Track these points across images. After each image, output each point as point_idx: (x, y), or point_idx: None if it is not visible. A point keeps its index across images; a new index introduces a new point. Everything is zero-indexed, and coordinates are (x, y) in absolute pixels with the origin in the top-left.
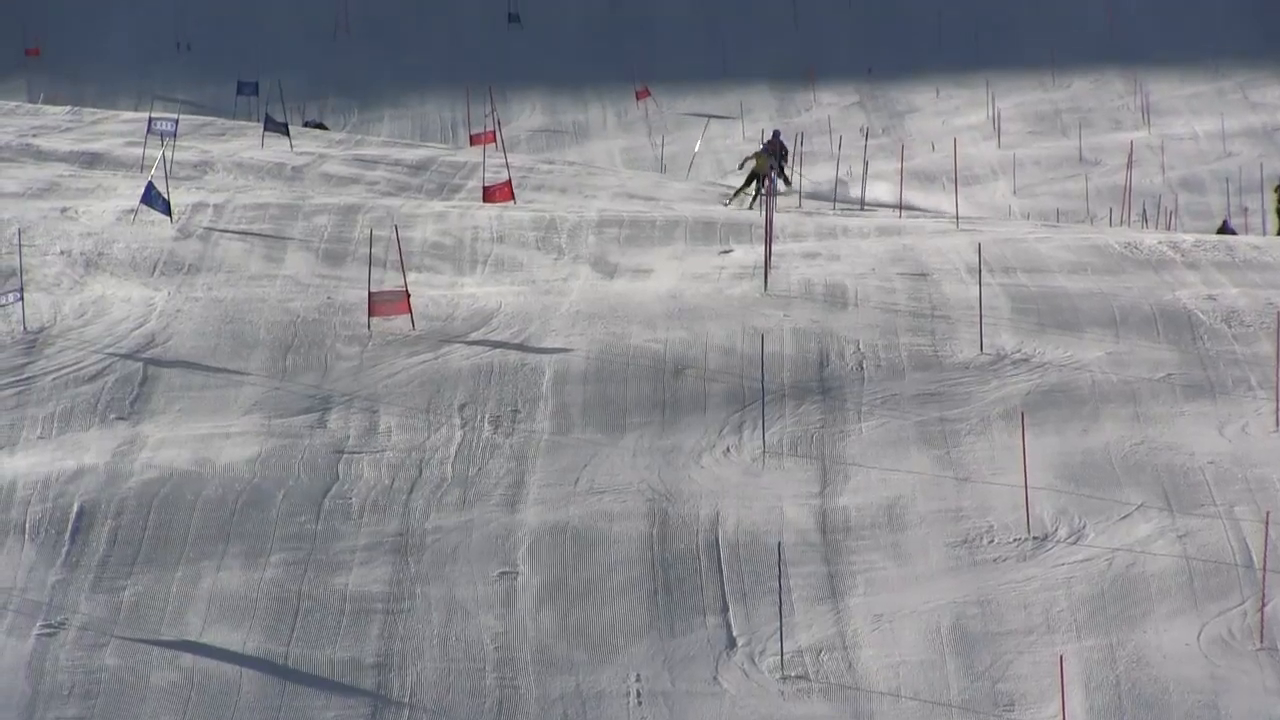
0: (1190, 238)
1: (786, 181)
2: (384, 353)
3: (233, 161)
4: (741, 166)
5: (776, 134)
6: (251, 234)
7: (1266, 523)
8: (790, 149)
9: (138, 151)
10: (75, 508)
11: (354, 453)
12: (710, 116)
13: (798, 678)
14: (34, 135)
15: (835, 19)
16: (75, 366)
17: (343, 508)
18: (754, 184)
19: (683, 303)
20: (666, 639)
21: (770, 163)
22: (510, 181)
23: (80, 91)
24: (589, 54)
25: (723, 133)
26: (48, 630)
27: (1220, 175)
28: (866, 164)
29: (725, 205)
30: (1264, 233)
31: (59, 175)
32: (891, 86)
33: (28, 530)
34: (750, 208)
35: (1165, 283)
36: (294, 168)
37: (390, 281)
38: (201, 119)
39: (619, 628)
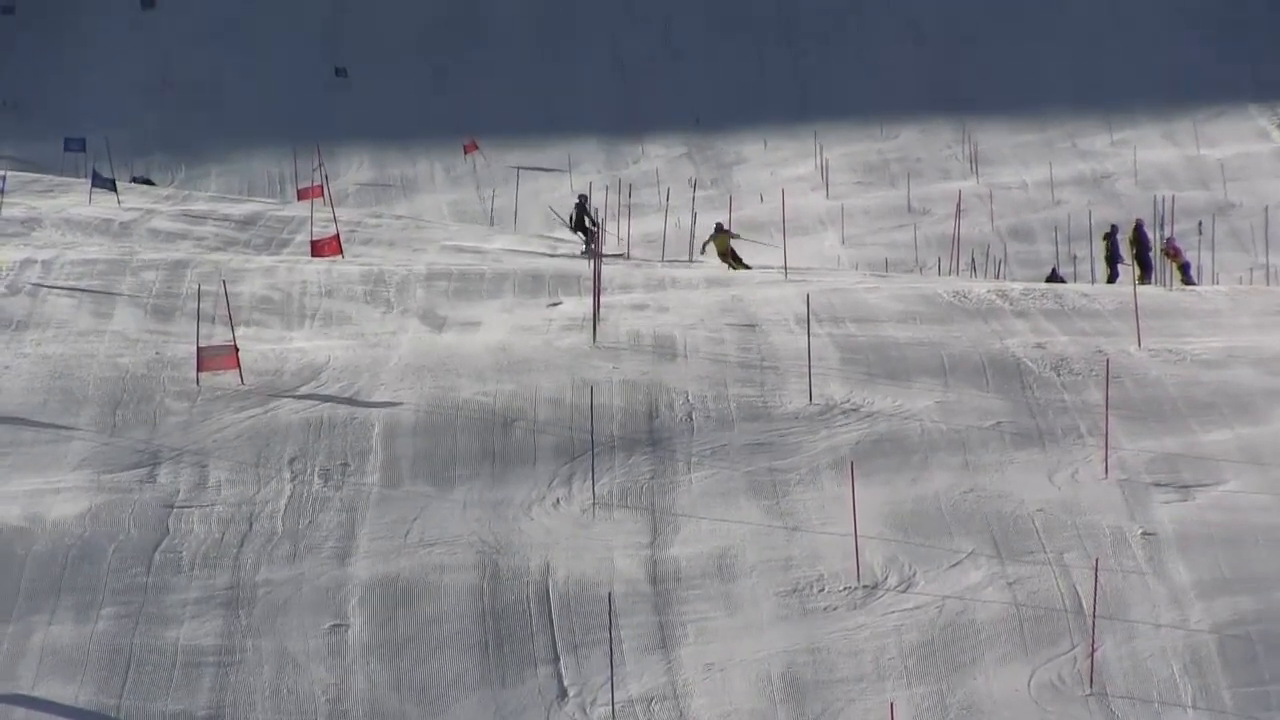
0: (1019, 286)
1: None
2: (213, 407)
3: (60, 218)
4: (704, 252)
5: (582, 199)
6: (80, 290)
7: (1095, 569)
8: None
9: None
10: None
11: (184, 507)
12: (536, 169)
13: None
14: None
15: (661, 72)
16: None
17: (173, 561)
18: (729, 260)
19: (512, 355)
20: (498, 690)
21: (729, 240)
22: (338, 235)
23: None
24: (416, 108)
25: (550, 185)
26: None
27: (1049, 223)
28: (695, 215)
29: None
30: (1093, 280)
31: None
32: (719, 138)
33: None
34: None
35: (994, 331)
36: (122, 223)
37: (219, 336)
38: (28, 176)
39: (450, 679)
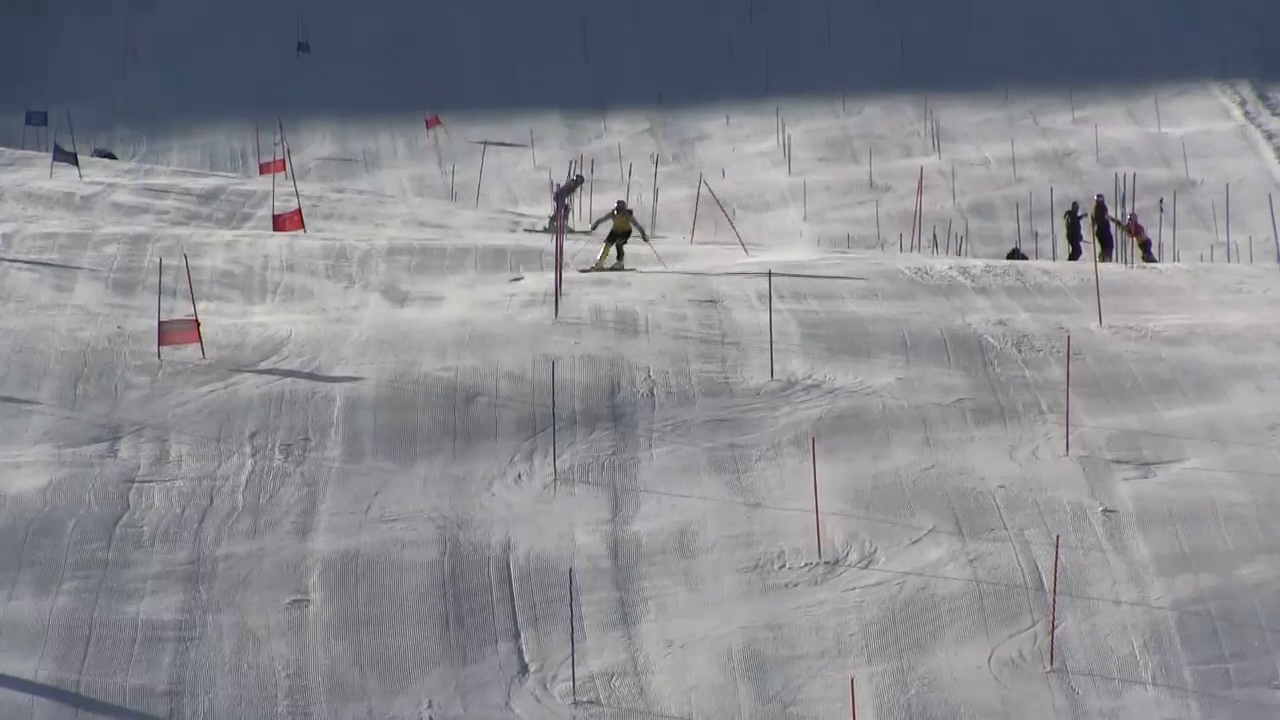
0: (980, 263)
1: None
2: (174, 382)
3: (21, 191)
4: (595, 228)
5: (579, 178)
6: (41, 264)
7: (1056, 546)
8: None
9: None
10: None
11: (145, 481)
12: (500, 144)
13: (590, 703)
14: None
15: (625, 47)
16: None
17: (134, 536)
18: (614, 243)
19: (473, 330)
20: (459, 666)
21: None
22: (300, 210)
23: None
24: (378, 82)
25: (513, 160)
26: None
27: (1011, 200)
28: (657, 191)
29: (585, 271)
30: (1054, 258)
31: None
32: (682, 114)
33: None
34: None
35: (956, 308)
36: (83, 197)
37: (180, 310)
38: None
39: (411, 655)
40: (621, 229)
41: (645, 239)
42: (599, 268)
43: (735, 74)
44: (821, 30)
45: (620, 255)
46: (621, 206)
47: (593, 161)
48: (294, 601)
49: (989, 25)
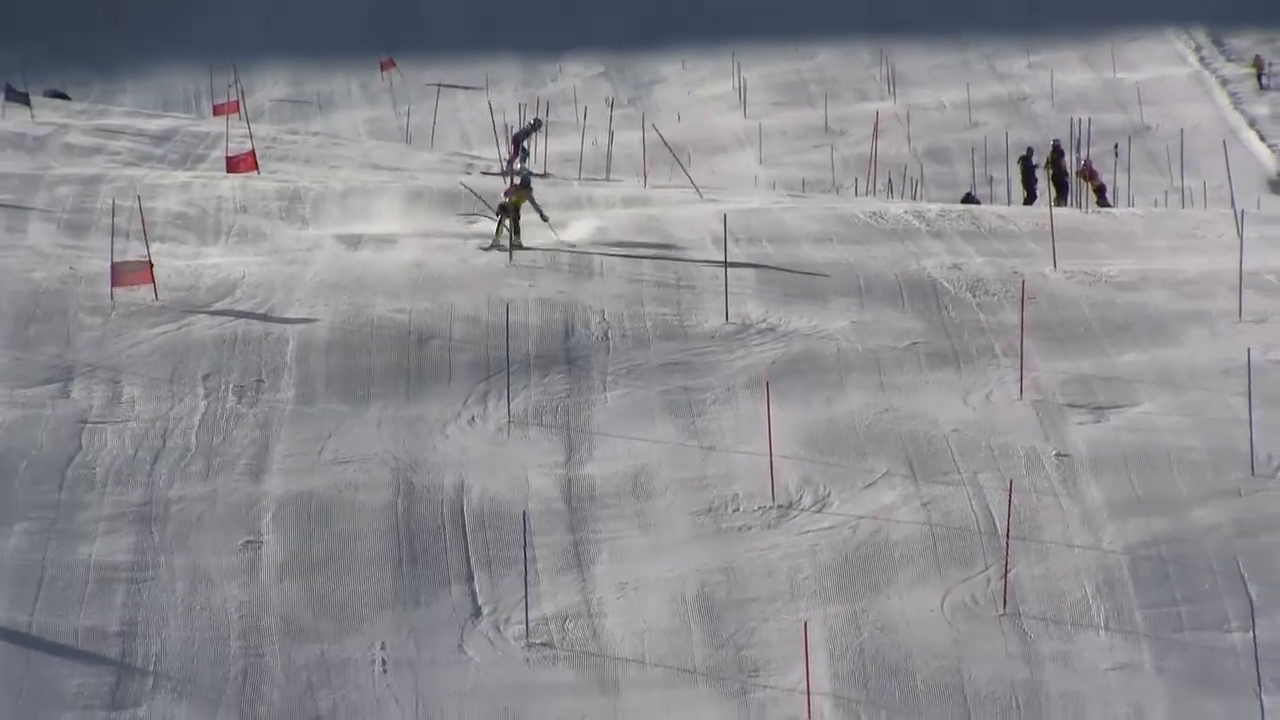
0: (936, 207)
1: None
2: (127, 323)
3: None
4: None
5: (536, 122)
6: None
7: (1010, 490)
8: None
9: None
10: None
11: (97, 423)
12: (454, 87)
13: (543, 645)
14: None
15: None
16: None
17: (86, 477)
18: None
19: (427, 273)
20: (412, 608)
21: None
22: (254, 152)
23: None
24: (333, 24)
25: (467, 103)
26: None
27: (966, 145)
28: (612, 134)
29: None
30: (1009, 202)
31: None
32: (637, 57)
33: None
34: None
35: (911, 252)
36: (35, 138)
37: (133, 252)
38: None
39: (364, 597)
40: (517, 204)
41: (543, 219)
42: (495, 245)
43: (691, 17)
44: None
45: (517, 232)
46: (526, 180)
47: (548, 105)
48: (247, 543)
49: None
